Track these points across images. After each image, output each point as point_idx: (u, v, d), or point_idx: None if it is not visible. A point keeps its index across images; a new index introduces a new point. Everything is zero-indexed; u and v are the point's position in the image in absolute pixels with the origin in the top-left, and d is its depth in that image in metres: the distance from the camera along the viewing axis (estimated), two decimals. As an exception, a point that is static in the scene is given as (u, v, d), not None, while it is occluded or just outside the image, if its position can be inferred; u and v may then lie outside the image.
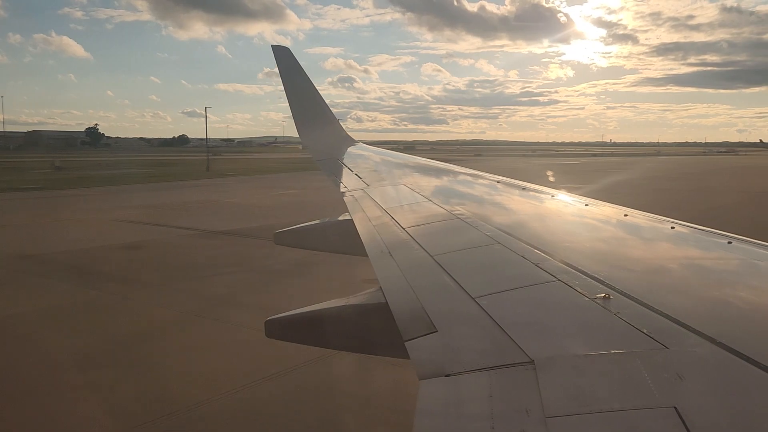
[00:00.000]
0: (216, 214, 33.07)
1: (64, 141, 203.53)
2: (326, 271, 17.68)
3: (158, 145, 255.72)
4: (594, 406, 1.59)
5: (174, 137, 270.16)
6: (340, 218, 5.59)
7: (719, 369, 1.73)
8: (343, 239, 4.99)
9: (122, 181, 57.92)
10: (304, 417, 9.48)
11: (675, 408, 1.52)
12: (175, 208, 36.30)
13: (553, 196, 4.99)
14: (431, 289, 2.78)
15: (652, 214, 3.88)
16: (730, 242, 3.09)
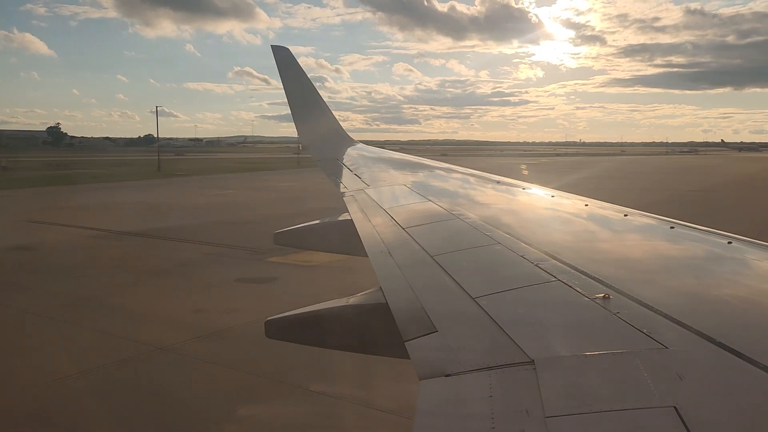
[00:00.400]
0: (134, 215, 32.93)
1: (25, 140, 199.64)
2: (206, 272, 17.81)
3: (124, 144, 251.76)
4: (594, 406, 1.58)
5: (140, 137, 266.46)
6: (340, 218, 5.54)
7: (719, 369, 1.72)
8: (343, 239, 4.97)
9: (63, 182, 57.21)
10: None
11: (675, 408, 1.51)
12: (96, 209, 36.22)
13: (552, 196, 4.97)
14: (431, 288, 2.78)
15: (652, 214, 3.87)
16: (730, 242, 3.08)
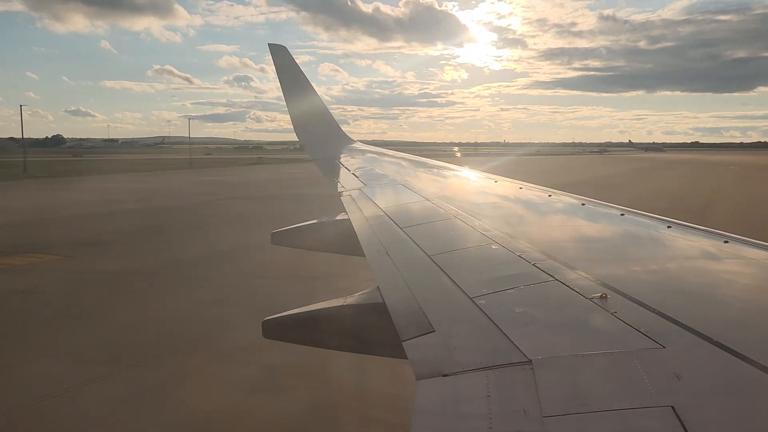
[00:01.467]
0: None
1: None
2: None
3: (29, 145, 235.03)
4: (591, 406, 1.58)
5: (47, 137, 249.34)
6: (338, 218, 5.51)
7: (716, 368, 1.72)
8: (340, 239, 4.96)
9: None
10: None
11: (672, 407, 1.51)
12: None
13: (550, 195, 4.96)
14: (428, 288, 2.76)
15: (649, 213, 3.87)
16: (726, 241, 3.09)
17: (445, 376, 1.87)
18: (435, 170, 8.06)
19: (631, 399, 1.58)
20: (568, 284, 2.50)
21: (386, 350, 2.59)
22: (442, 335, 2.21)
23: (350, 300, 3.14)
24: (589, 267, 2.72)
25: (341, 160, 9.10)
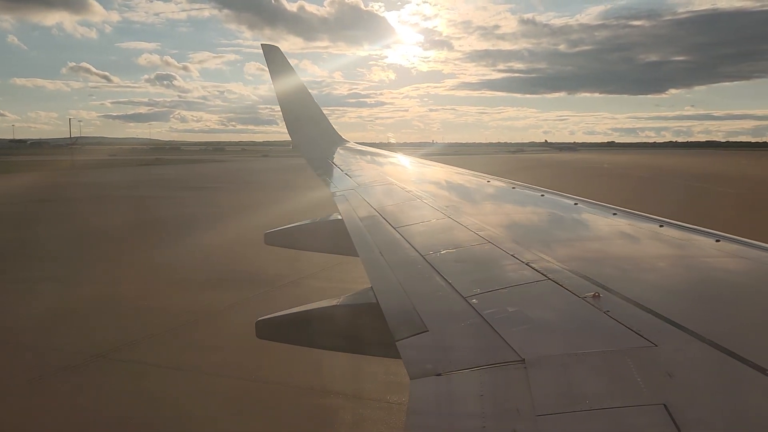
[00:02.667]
0: None
1: None
2: None
3: None
4: (584, 405, 1.58)
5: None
6: (331, 218, 5.50)
7: (707, 366, 1.74)
8: (334, 239, 4.94)
9: None
10: None
11: (664, 405, 1.51)
12: None
13: (542, 195, 4.96)
14: (422, 288, 2.76)
15: (641, 213, 3.89)
16: (718, 240, 3.10)
17: (438, 375, 1.88)
18: (428, 170, 8.09)
19: (624, 397, 1.59)
20: (561, 283, 2.51)
21: (380, 350, 2.61)
22: (435, 335, 2.22)
23: (344, 300, 3.15)
24: (581, 266, 2.74)
25: (334, 160, 9.13)
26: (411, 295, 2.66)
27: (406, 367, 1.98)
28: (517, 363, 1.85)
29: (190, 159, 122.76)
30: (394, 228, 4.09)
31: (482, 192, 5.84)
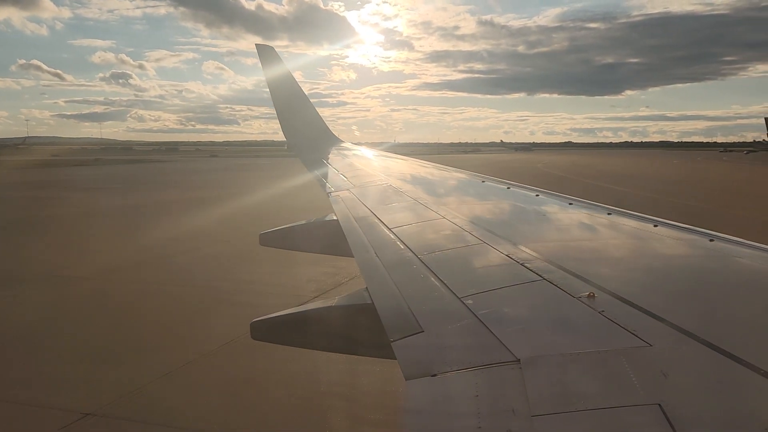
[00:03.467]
0: None
1: None
2: None
3: None
4: (579, 405, 1.59)
5: None
6: (327, 219, 5.48)
7: (702, 366, 1.74)
8: (329, 240, 4.91)
9: None
10: None
11: (659, 405, 1.52)
12: None
13: (537, 195, 4.96)
14: (417, 289, 2.76)
15: (636, 212, 3.90)
16: (712, 240, 3.11)
17: (433, 376, 1.88)
18: (424, 171, 8.08)
19: (619, 397, 1.60)
20: (555, 283, 2.51)
21: (375, 351, 2.62)
22: (430, 335, 2.22)
23: (339, 301, 3.16)
24: (576, 266, 2.74)
25: (330, 160, 9.13)
26: (406, 296, 2.66)
27: (401, 368, 1.98)
28: (512, 363, 1.85)
29: (131, 159, 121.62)
30: (390, 228, 4.09)
31: (478, 193, 5.79)
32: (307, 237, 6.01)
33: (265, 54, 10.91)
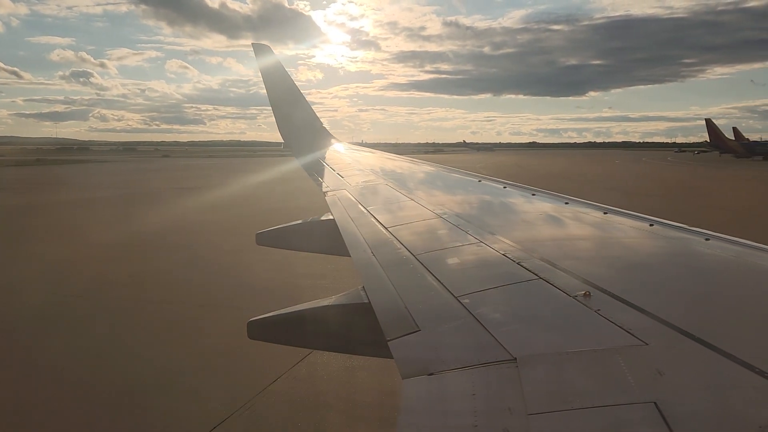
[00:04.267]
0: None
1: None
2: None
3: None
4: (575, 403, 1.59)
5: None
6: (323, 218, 5.46)
7: (697, 364, 1.75)
8: (326, 239, 4.90)
9: None
10: None
11: (655, 403, 1.53)
12: None
13: (534, 194, 4.96)
14: (414, 288, 2.76)
15: (632, 212, 3.90)
16: (707, 239, 3.12)
17: (430, 375, 1.89)
18: (420, 170, 8.08)
19: (615, 396, 1.60)
20: (552, 282, 2.52)
21: (372, 350, 2.62)
22: (427, 334, 2.23)
23: (336, 300, 3.16)
24: (572, 265, 2.75)
25: (326, 159, 9.09)
26: (403, 295, 2.67)
27: (398, 367, 1.99)
28: (508, 362, 1.86)
29: (77, 159, 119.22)
30: (386, 228, 4.09)
31: (474, 193, 5.81)
32: (304, 236, 6.02)
33: (262, 53, 10.97)
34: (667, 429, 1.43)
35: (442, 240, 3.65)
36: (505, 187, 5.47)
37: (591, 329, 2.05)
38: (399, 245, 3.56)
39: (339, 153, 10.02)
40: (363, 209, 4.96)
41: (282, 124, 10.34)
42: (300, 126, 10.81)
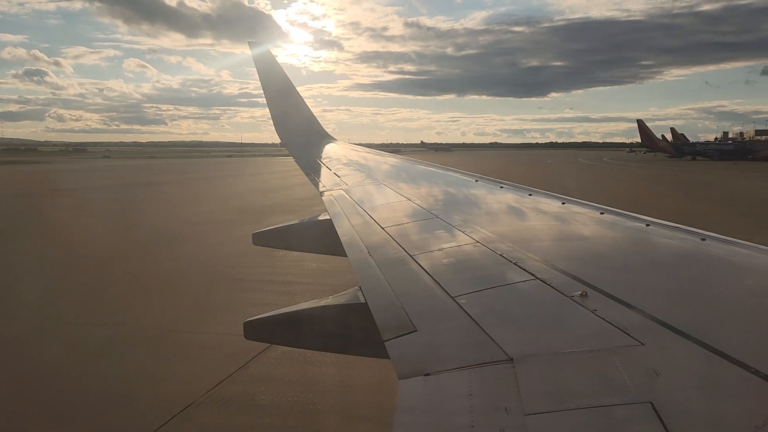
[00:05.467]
0: None
1: None
2: None
3: None
4: (572, 403, 1.60)
5: None
6: (320, 218, 5.45)
7: (694, 364, 1.75)
8: (323, 239, 4.90)
9: None
10: None
11: (651, 403, 1.52)
12: None
13: (530, 195, 4.93)
14: (410, 288, 2.75)
15: (628, 212, 3.87)
16: (703, 239, 3.10)
17: (427, 375, 1.88)
18: (417, 169, 8.04)
19: (611, 395, 1.60)
20: (548, 283, 2.51)
21: (369, 350, 2.60)
22: (423, 335, 2.22)
23: (332, 300, 3.16)
24: (568, 265, 2.74)
25: (323, 159, 9.06)
26: (399, 295, 2.66)
27: (394, 367, 1.99)
28: (505, 362, 1.86)
29: (5, 161, 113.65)
30: (383, 228, 4.09)
31: (470, 192, 5.75)
32: (301, 236, 6.01)
33: (258, 52, 10.96)
34: (663, 429, 1.43)
35: (439, 240, 3.64)
36: (501, 187, 5.46)
37: (587, 329, 2.05)
38: (396, 245, 3.56)
39: (336, 152, 10.07)
40: (359, 209, 4.96)
41: (278, 124, 10.39)
42: (297, 125, 10.84)
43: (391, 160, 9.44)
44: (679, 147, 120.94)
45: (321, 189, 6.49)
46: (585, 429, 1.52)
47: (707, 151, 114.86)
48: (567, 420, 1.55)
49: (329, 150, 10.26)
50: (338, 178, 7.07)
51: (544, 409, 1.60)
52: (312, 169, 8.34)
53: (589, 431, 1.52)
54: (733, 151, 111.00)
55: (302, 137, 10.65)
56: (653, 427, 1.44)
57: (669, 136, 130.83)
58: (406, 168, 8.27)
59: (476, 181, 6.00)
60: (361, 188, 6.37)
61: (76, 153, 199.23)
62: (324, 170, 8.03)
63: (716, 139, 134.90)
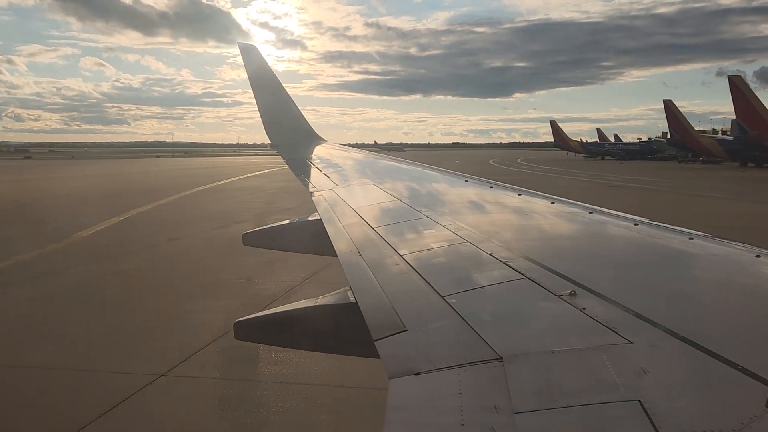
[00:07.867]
0: None
1: None
2: None
3: None
4: (560, 401, 1.61)
5: None
6: (310, 218, 5.46)
7: (681, 362, 1.77)
8: (313, 239, 4.91)
9: None
10: None
11: (639, 401, 1.54)
12: None
13: (520, 194, 4.96)
14: (401, 288, 2.77)
15: (616, 211, 3.88)
16: (691, 238, 3.12)
17: (417, 374, 1.89)
18: (408, 170, 8.04)
19: (599, 393, 1.62)
20: (537, 282, 2.53)
21: (360, 350, 2.62)
22: (414, 334, 2.23)
23: (323, 300, 3.15)
24: (558, 264, 2.76)
25: (313, 160, 9.09)
26: (389, 295, 2.67)
27: (384, 367, 2.00)
28: (494, 361, 1.87)
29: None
30: (372, 227, 4.11)
31: (464, 192, 5.73)
32: (292, 237, 6.00)
33: (248, 53, 11.02)
34: (651, 426, 1.45)
35: (428, 239, 3.65)
36: (491, 187, 5.48)
37: (576, 328, 2.07)
38: (386, 245, 3.57)
39: (326, 153, 10.11)
40: (349, 209, 4.98)
41: (268, 125, 10.38)
42: (286, 127, 10.87)
43: (381, 161, 9.50)
44: (587, 147, 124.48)
45: (311, 189, 6.51)
46: (574, 427, 1.54)
47: (614, 151, 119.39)
48: (556, 418, 1.56)
49: (319, 151, 10.29)
50: (327, 179, 7.09)
51: (533, 407, 1.61)
52: (302, 170, 8.38)
53: (578, 429, 1.54)
54: (638, 150, 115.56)
55: (292, 138, 10.67)
56: (641, 425, 1.46)
57: (611, 138, 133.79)
58: (396, 168, 8.31)
59: (466, 181, 6.04)
60: (350, 188, 6.42)
61: (17, 154, 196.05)
62: (314, 171, 8.08)
63: (656, 138, 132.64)
